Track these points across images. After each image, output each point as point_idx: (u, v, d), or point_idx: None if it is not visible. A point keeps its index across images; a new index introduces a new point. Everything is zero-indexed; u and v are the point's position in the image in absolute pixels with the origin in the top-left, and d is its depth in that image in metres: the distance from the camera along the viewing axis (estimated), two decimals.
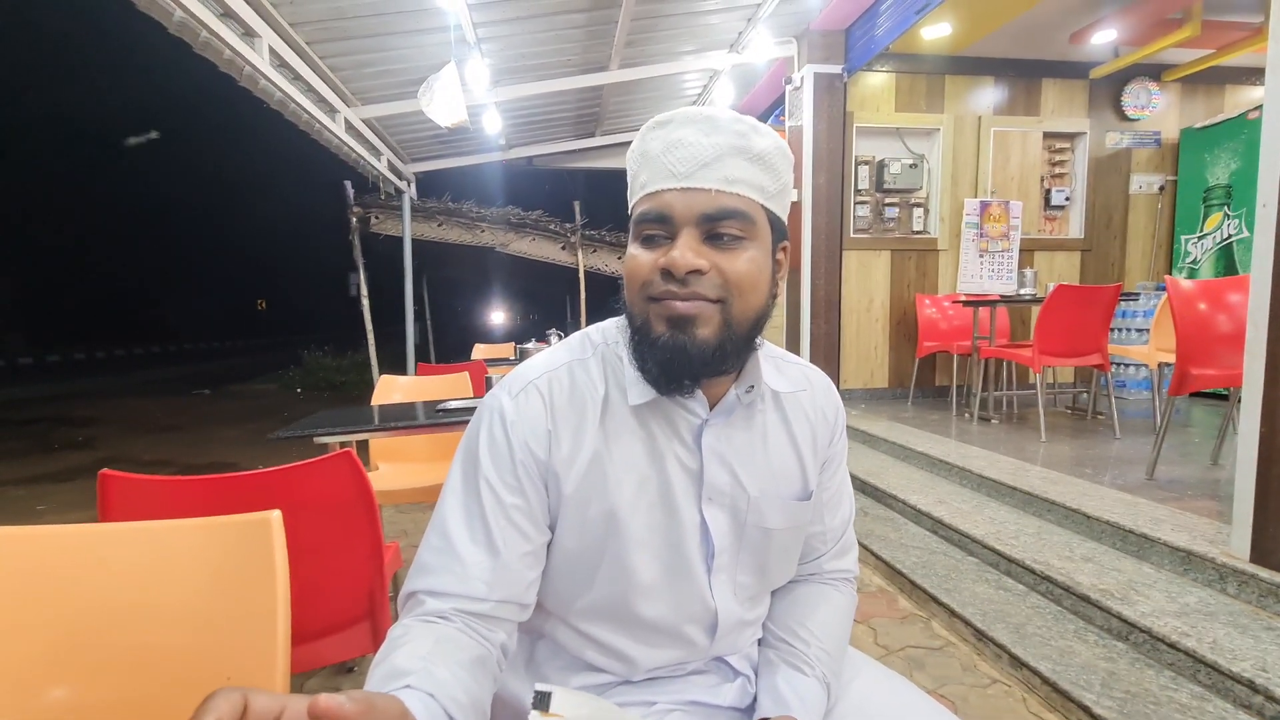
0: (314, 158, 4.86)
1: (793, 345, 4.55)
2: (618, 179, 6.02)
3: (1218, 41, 4.29)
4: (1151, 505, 2.27)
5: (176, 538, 0.83)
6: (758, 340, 0.69)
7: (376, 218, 7.98)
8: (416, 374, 3.32)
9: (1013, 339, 4.60)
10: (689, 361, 0.62)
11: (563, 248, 9.03)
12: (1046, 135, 4.88)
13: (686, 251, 0.60)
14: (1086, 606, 1.86)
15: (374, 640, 1.35)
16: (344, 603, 1.32)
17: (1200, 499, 2.34)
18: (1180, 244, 4.87)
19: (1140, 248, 5.06)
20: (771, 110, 5.53)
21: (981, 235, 4.77)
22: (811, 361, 1.06)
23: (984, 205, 4.75)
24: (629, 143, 0.69)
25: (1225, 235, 4.51)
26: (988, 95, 4.78)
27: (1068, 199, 4.96)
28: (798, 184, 4.34)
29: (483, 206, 8.80)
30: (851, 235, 4.67)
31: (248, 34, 2.85)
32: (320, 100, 3.74)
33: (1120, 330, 4.54)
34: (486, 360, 4.32)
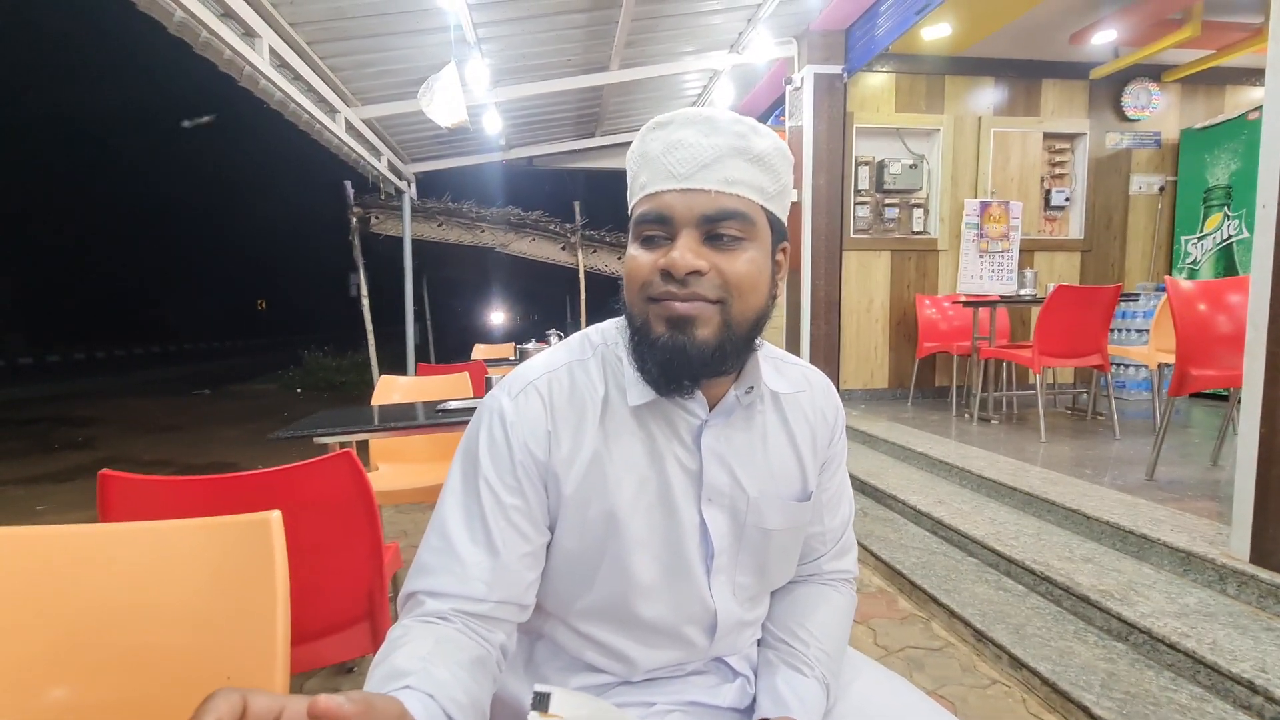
0: (314, 158, 4.86)
1: (793, 346, 4.55)
2: (618, 179, 6.02)
3: (1218, 42, 4.29)
4: (1151, 506, 2.27)
5: (176, 538, 0.83)
6: (757, 341, 0.69)
7: (376, 218, 7.99)
8: (416, 374, 3.32)
9: (1012, 339, 4.60)
10: (688, 362, 0.62)
11: (563, 248, 9.03)
12: (1046, 136, 4.88)
13: (686, 252, 0.60)
14: (1086, 607, 1.86)
15: (373, 640, 1.34)
16: (343, 603, 1.32)
17: (1200, 500, 2.34)
18: (1180, 244, 4.87)
19: (1140, 248, 5.06)
20: (771, 111, 5.53)
21: (981, 236, 4.77)
22: (811, 362, 1.06)
23: (984, 206, 4.75)
24: (629, 143, 0.69)
25: (1225, 236, 4.51)
26: (988, 96, 4.78)
27: (1068, 199, 4.96)
28: (798, 184, 4.34)
29: (483, 207, 8.81)
30: (851, 236, 4.67)
31: (248, 34, 2.85)
32: (320, 100, 3.74)
33: (1120, 331, 4.54)
34: (486, 360, 4.32)
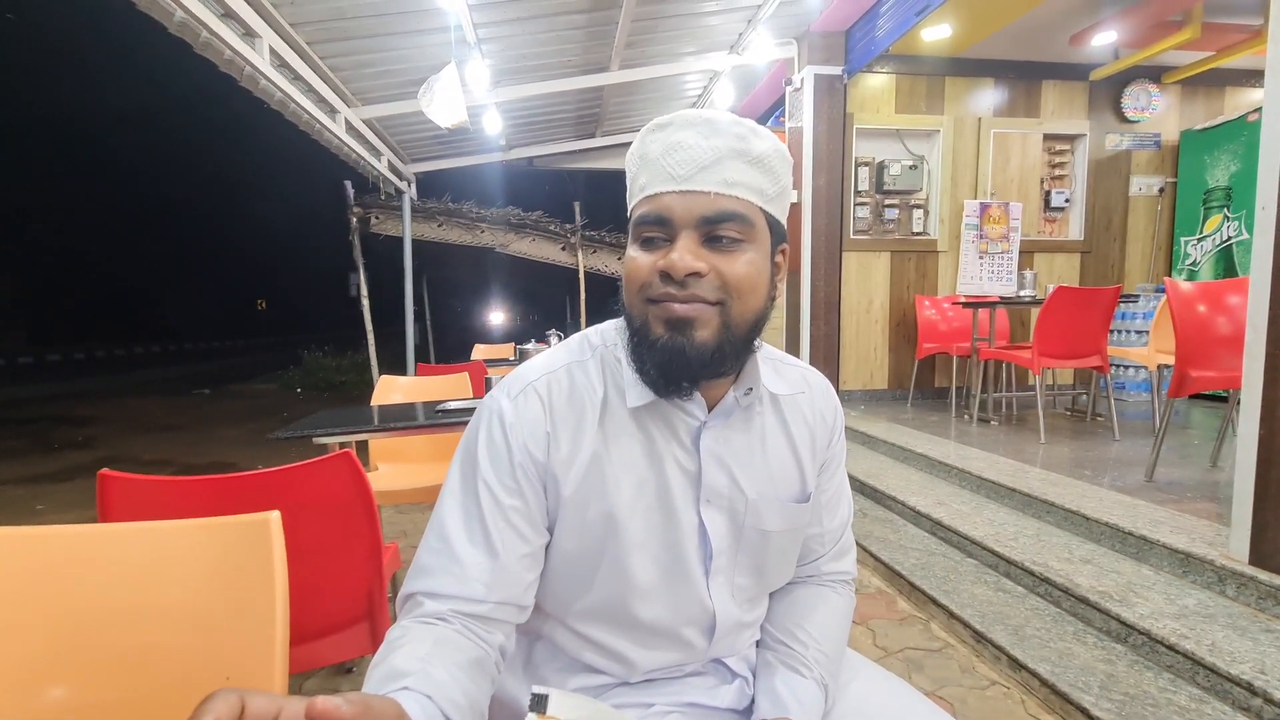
0: (314, 158, 4.87)
1: (792, 346, 4.55)
2: (618, 180, 6.02)
3: (1218, 44, 4.30)
4: (1151, 507, 2.27)
5: (176, 538, 0.83)
6: (756, 342, 0.69)
7: (376, 218, 7.99)
8: (416, 374, 3.32)
9: (1012, 340, 4.60)
10: (687, 364, 0.62)
11: (563, 248, 9.04)
12: (1046, 137, 4.89)
13: (685, 254, 0.61)
14: (1085, 608, 1.86)
15: (372, 641, 1.34)
16: (343, 603, 1.32)
17: (1199, 501, 2.34)
18: (1180, 246, 4.88)
19: (1140, 249, 5.07)
20: (771, 111, 5.53)
21: (981, 237, 4.77)
22: (811, 363, 1.06)
23: (984, 207, 4.75)
24: (629, 144, 0.69)
25: (1225, 237, 4.51)
26: (988, 97, 4.78)
27: (1067, 201, 4.96)
28: (798, 185, 4.34)
29: (483, 207, 8.82)
30: (851, 236, 4.67)
31: (248, 34, 2.86)
32: (320, 100, 3.75)
33: (1120, 332, 4.54)
34: (486, 361, 4.32)
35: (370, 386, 3.24)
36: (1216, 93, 4.96)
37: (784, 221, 0.69)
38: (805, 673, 0.72)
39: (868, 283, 4.77)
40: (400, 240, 6.34)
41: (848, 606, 0.83)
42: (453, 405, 2.19)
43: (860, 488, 3.17)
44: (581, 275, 8.86)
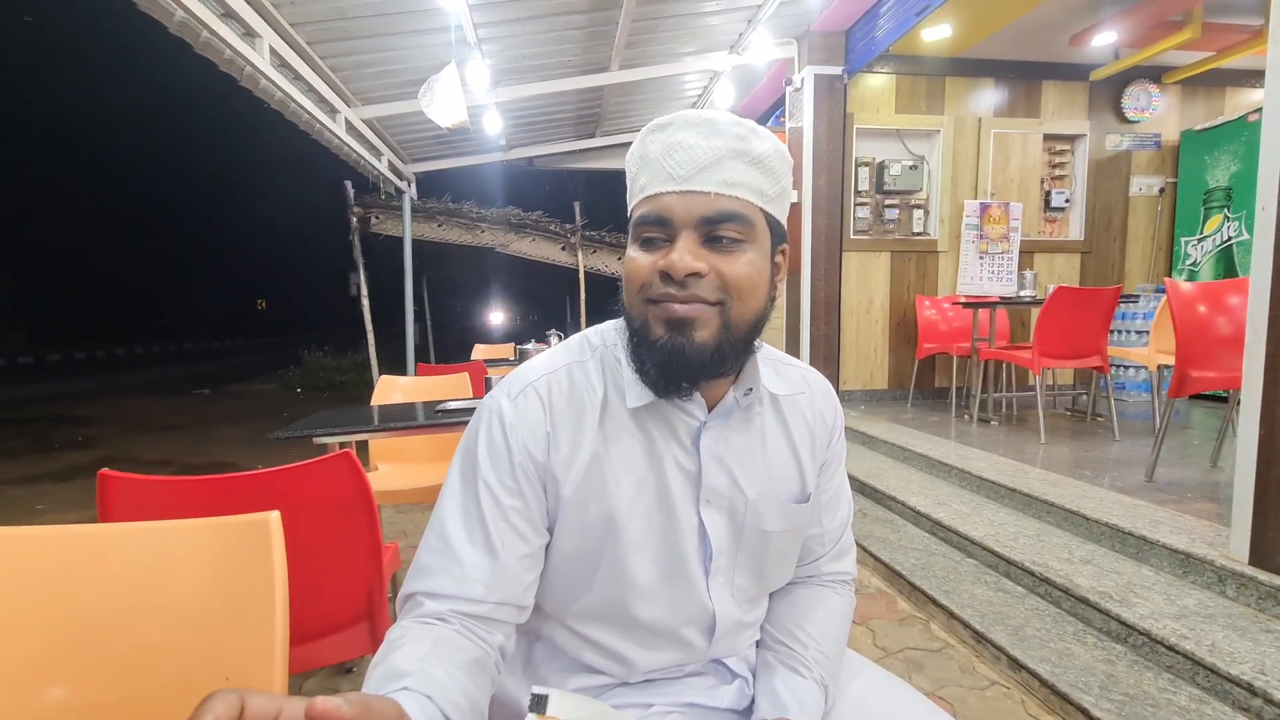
0: (314, 158, 4.87)
1: (792, 347, 4.55)
2: (618, 180, 6.02)
3: (1218, 44, 4.30)
4: (1151, 507, 2.27)
5: (176, 538, 0.83)
6: (756, 343, 0.69)
7: (377, 218, 7.99)
8: (416, 374, 3.32)
9: (1012, 341, 4.60)
10: (687, 364, 0.62)
11: (563, 248, 9.04)
12: (1046, 137, 4.89)
13: (685, 254, 0.61)
14: (1085, 609, 1.86)
15: (372, 641, 1.34)
16: (343, 603, 1.32)
17: (1199, 501, 2.34)
18: (1180, 246, 4.88)
19: (1140, 250, 5.07)
20: (772, 111, 5.53)
21: (981, 237, 4.77)
22: (811, 363, 1.06)
23: (984, 207, 4.75)
24: (629, 144, 0.69)
25: (1225, 238, 4.51)
26: (988, 97, 4.78)
27: (1068, 201, 4.96)
28: (798, 185, 4.34)
29: (483, 207, 8.82)
30: (851, 237, 4.67)
31: (248, 34, 2.86)
32: (321, 100, 3.75)
33: (1120, 332, 4.54)
34: (486, 361, 4.32)
35: (370, 386, 3.24)
36: (1217, 93, 4.96)
37: (784, 222, 0.69)
38: (805, 673, 0.72)
39: (868, 283, 4.77)
40: (400, 240, 6.34)
41: (848, 607, 0.83)
42: (453, 405, 2.19)
43: (860, 488, 3.17)
44: (581, 275, 8.86)
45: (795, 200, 4.30)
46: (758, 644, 0.80)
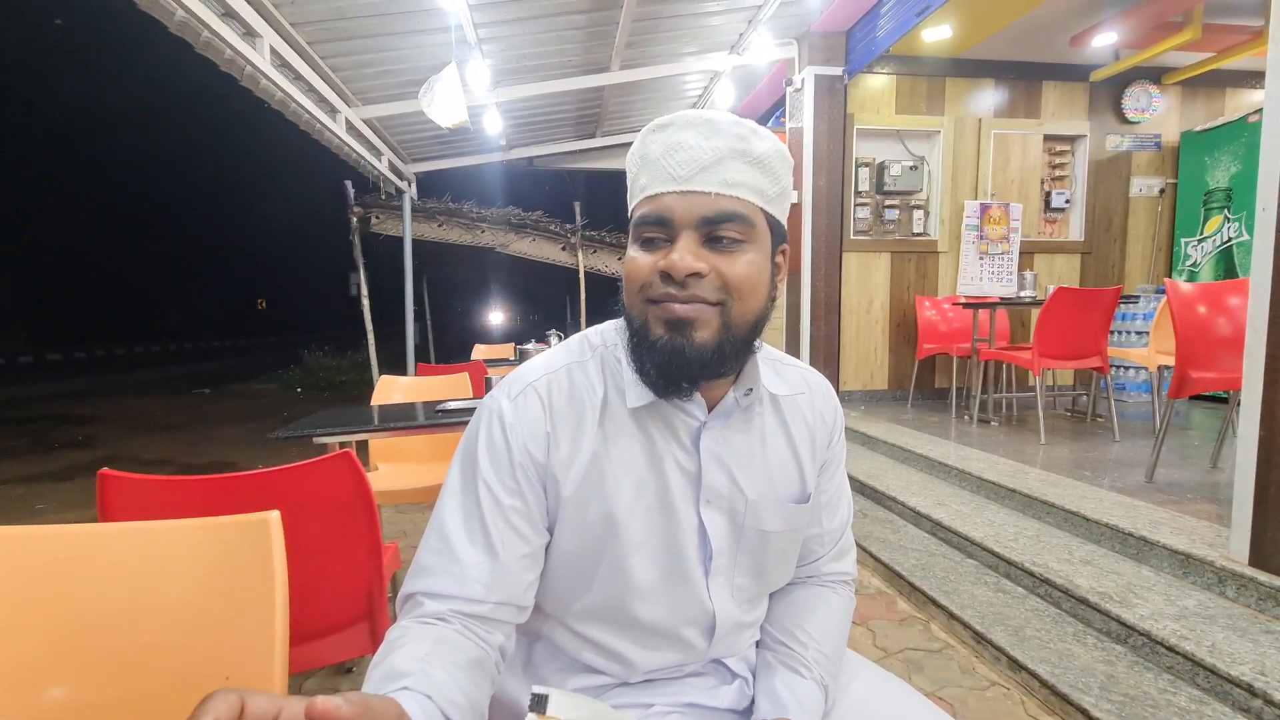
0: (314, 158, 4.87)
1: (792, 347, 4.55)
2: (618, 180, 6.03)
3: (1218, 45, 4.30)
4: (1151, 508, 2.27)
5: (176, 538, 0.83)
6: (756, 343, 0.69)
7: (377, 218, 7.99)
8: (416, 374, 3.32)
9: (1012, 341, 4.60)
10: (687, 364, 0.62)
11: (563, 248, 9.04)
12: (1047, 138, 4.89)
13: (686, 254, 0.61)
14: (1085, 609, 1.86)
15: (372, 641, 1.34)
16: (342, 603, 1.32)
17: (1199, 502, 2.34)
18: (1180, 247, 4.88)
19: (1140, 250, 5.07)
20: (772, 112, 5.53)
21: (981, 237, 4.77)
22: (811, 363, 1.06)
23: (984, 207, 4.75)
24: (630, 144, 0.69)
25: (1225, 238, 4.51)
26: (988, 97, 4.78)
27: (1068, 201, 4.96)
28: (798, 185, 4.34)
29: (483, 207, 8.82)
30: (851, 237, 4.67)
31: (249, 34, 2.86)
32: (321, 100, 3.75)
33: (1120, 333, 4.54)
34: (486, 361, 4.32)
35: (370, 386, 3.24)
36: (1217, 94, 4.96)
37: (784, 222, 0.69)
38: (805, 673, 0.72)
39: (868, 283, 4.77)
40: (400, 240, 6.34)
41: (848, 607, 0.83)
42: (453, 405, 2.19)
43: (860, 488, 3.17)
44: (581, 275, 8.86)
45: (795, 200, 4.30)
46: (758, 644, 0.80)
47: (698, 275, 0.61)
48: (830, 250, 4.38)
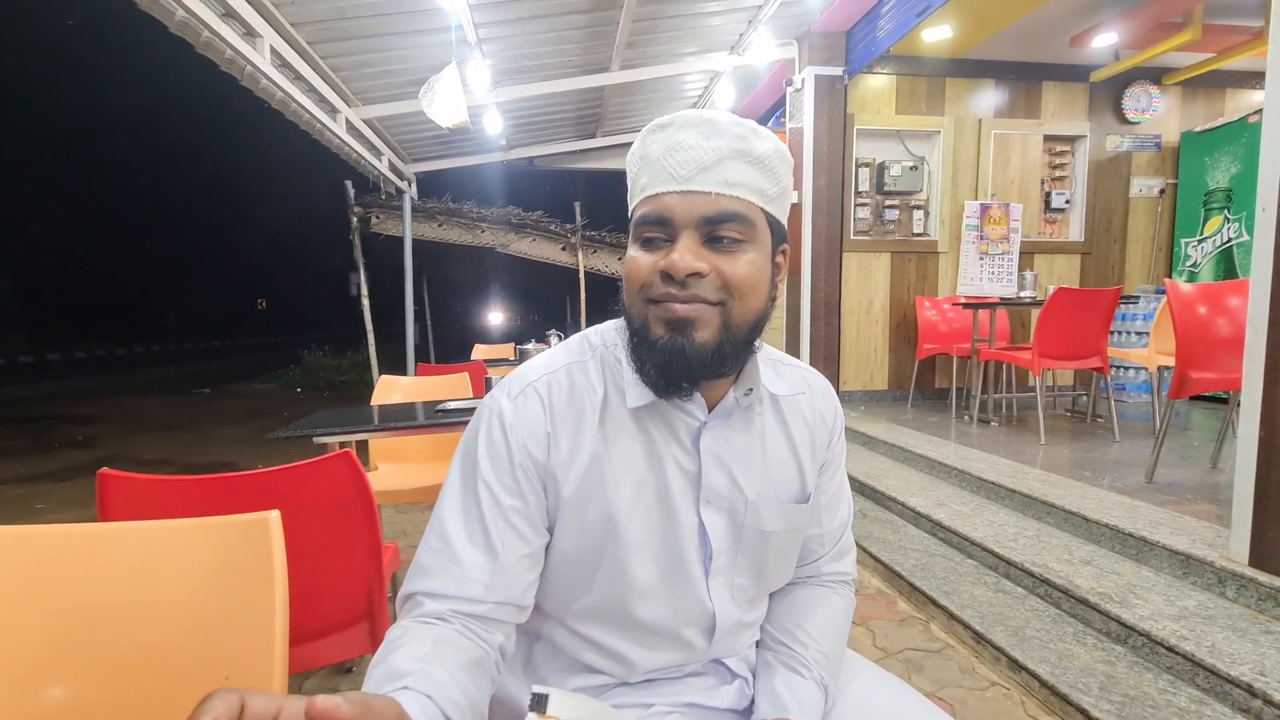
0: (314, 157, 4.87)
1: (792, 347, 4.55)
2: (618, 180, 6.02)
3: (1218, 45, 4.30)
4: (1151, 508, 2.27)
5: (175, 537, 0.83)
6: (756, 343, 0.69)
7: (377, 217, 7.99)
8: (416, 374, 3.32)
9: (1012, 341, 4.60)
10: (687, 364, 0.62)
11: (563, 248, 9.04)
12: (1047, 138, 4.89)
13: (686, 254, 0.61)
14: (1085, 609, 1.86)
15: (372, 641, 1.34)
16: (342, 603, 1.32)
17: (1199, 502, 2.34)
18: (1180, 247, 4.88)
19: (1140, 251, 5.07)
20: (772, 112, 5.53)
21: (981, 238, 4.77)
22: (811, 363, 1.06)
23: (984, 208, 4.76)
24: (630, 144, 0.69)
25: (1225, 239, 4.51)
26: (988, 98, 4.78)
27: (1068, 202, 4.96)
28: (798, 186, 4.34)
29: (483, 207, 8.82)
30: (851, 237, 4.68)
31: (249, 34, 2.86)
32: (321, 100, 3.75)
33: (1120, 333, 4.54)
34: (486, 361, 4.32)
35: (370, 386, 3.24)
36: (1217, 94, 4.96)
37: (784, 222, 0.69)
38: (805, 673, 0.72)
39: (868, 283, 4.77)
40: (400, 240, 6.34)
41: (848, 607, 0.83)
42: (453, 405, 2.19)
43: (860, 488, 3.17)
44: (581, 275, 8.86)
45: (795, 201, 4.30)
46: (758, 644, 0.80)
47: (698, 275, 0.61)
48: (830, 250, 4.38)
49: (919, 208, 4.82)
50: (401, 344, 6.26)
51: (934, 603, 2.09)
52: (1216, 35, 4.16)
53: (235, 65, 2.86)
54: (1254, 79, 4.85)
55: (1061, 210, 4.98)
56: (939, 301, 4.67)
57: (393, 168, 5.31)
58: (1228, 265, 4.49)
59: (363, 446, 2.46)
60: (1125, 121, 4.90)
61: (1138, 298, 4.56)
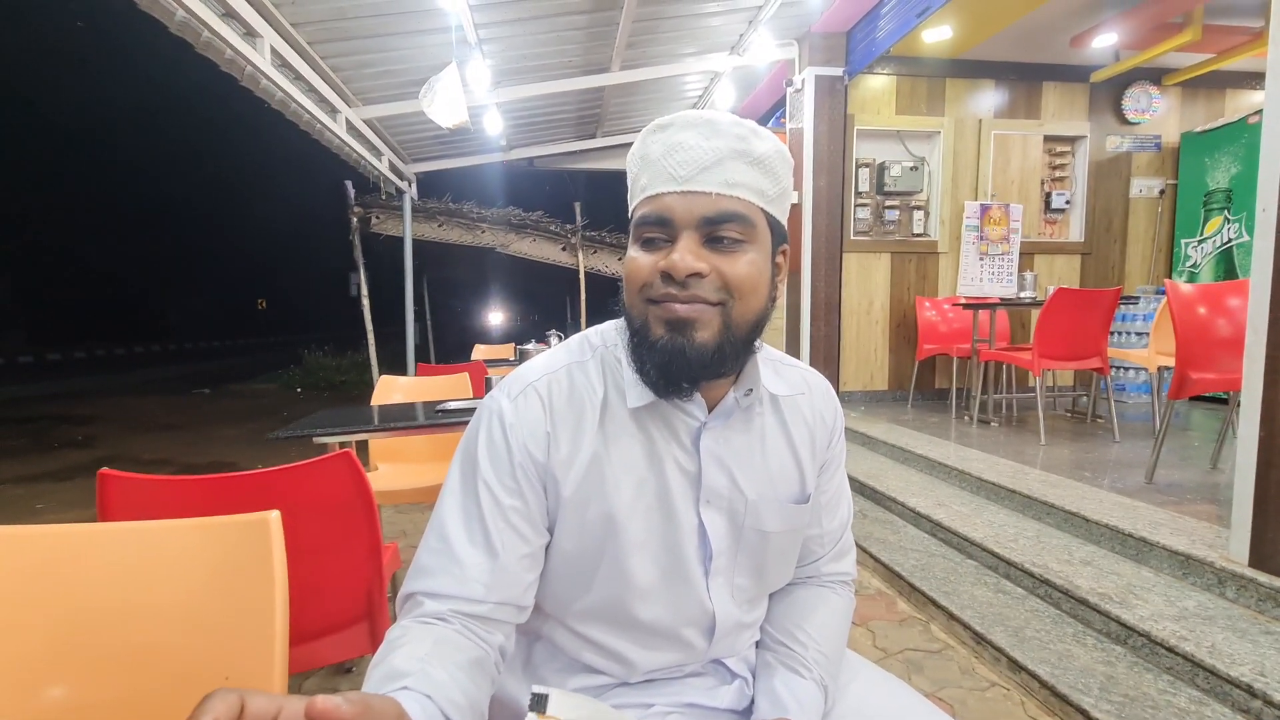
0: (315, 158, 4.87)
1: (793, 347, 4.55)
2: (618, 180, 6.01)
3: (1218, 46, 4.30)
4: (1150, 509, 2.27)
5: (175, 537, 0.83)
6: (756, 343, 0.69)
7: (377, 218, 7.99)
8: (416, 374, 3.32)
9: (1012, 342, 4.60)
10: (687, 364, 0.62)
11: (563, 249, 9.04)
12: (1047, 138, 4.89)
13: (686, 254, 0.61)
14: (1085, 610, 1.86)
15: (372, 641, 1.34)
16: (342, 603, 1.32)
17: (1199, 503, 2.34)
18: (1180, 248, 4.88)
19: (1140, 251, 5.07)
20: (772, 112, 5.53)
21: (982, 238, 4.77)
22: (811, 364, 1.06)
23: (984, 208, 4.76)
24: (630, 144, 0.69)
25: (1225, 239, 4.51)
26: (988, 98, 4.79)
27: (1068, 202, 4.96)
28: (798, 186, 4.34)
29: (483, 207, 8.82)
30: (852, 238, 4.67)
31: (249, 34, 2.86)
32: (321, 100, 3.75)
33: (1120, 334, 4.54)
34: (486, 361, 4.32)
35: (370, 386, 3.24)
36: (1217, 95, 4.96)
37: (785, 222, 0.69)
38: (805, 674, 0.72)
39: (868, 284, 4.77)
40: (400, 240, 6.34)
41: (847, 607, 0.83)
42: (453, 405, 2.19)
43: (860, 489, 3.17)
44: (582, 275, 8.86)
45: (795, 201, 4.30)
46: (757, 644, 0.80)
47: (698, 275, 0.61)
48: (830, 251, 4.38)
49: (919, 208, 4.82)
50: (401, 344, 6.26)
51: (934, 603, 2.09)
52: (1216, 36, 4.16)
53: (235, 65, 2.86)
54: (1254, 79, 4.85)
55: (1061, 211, 4.98)
56: (939, 302, 4.67)
57: (393, 168, 5.31)
58: (1228, 266, 4.49)
59: (363, 446, 2.46)
60: (1125, 122, 4.90)
61: (1138, 298, 4.56)
